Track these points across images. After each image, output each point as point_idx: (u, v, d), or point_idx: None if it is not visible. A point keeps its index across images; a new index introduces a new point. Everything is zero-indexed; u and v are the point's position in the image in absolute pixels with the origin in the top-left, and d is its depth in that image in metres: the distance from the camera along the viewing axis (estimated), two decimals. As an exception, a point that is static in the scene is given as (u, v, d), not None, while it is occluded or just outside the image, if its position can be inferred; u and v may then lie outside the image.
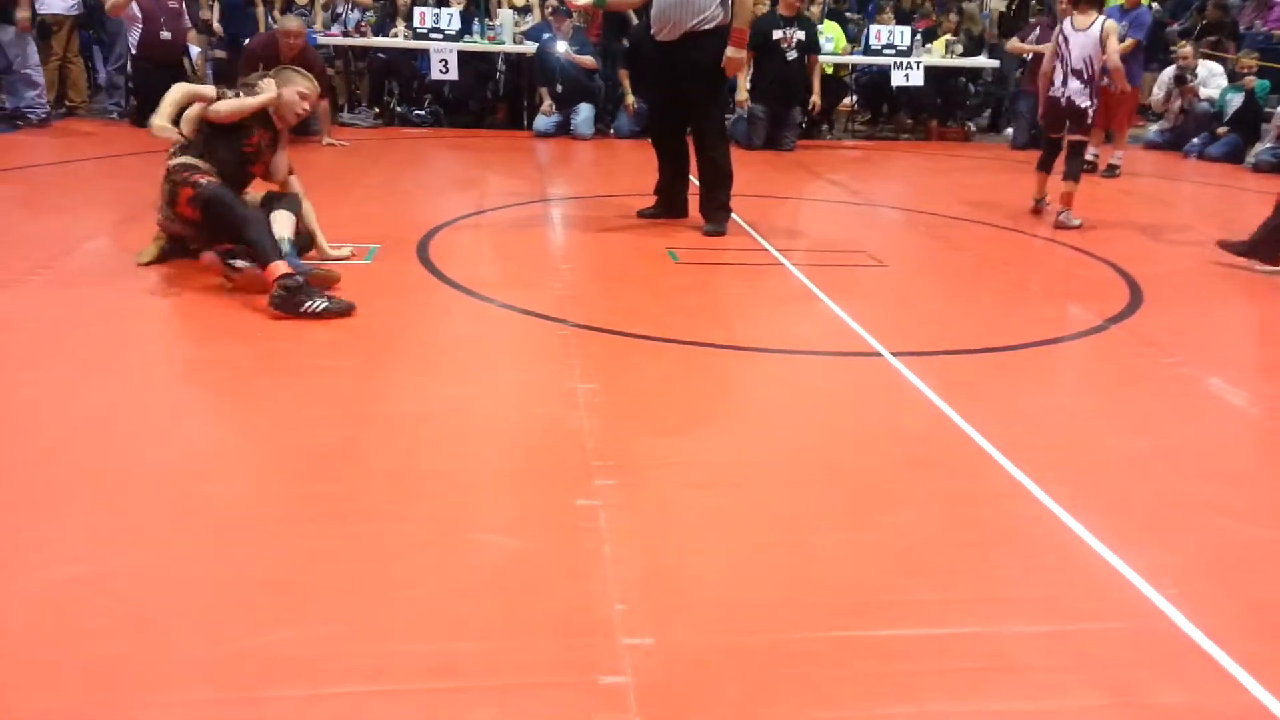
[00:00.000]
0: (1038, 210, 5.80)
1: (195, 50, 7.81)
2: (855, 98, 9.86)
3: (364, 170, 6.40)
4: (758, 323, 3.66)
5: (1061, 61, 5.41)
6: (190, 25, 7.73)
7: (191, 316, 3.42)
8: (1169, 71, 8.88)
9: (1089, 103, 5.38)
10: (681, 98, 4.88)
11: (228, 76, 8.02)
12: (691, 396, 2.88)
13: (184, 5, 7.63)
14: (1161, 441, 2.69)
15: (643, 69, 8.09)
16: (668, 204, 5.23)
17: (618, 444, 2.47)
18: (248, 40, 7.67)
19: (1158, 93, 8.98)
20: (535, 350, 3.19)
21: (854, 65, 9.50)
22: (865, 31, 9.37)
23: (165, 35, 7.46)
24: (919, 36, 9.21)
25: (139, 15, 7.40)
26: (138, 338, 3.20)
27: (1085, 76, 5.35)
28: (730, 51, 4.70)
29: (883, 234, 5.39)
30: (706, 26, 4.68)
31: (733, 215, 5.02)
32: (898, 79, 8.94)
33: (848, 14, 10.82)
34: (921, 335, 3.48)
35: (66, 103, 7.86)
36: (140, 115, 7.47)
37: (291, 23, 7.05)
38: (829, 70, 8.92)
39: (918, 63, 8.88)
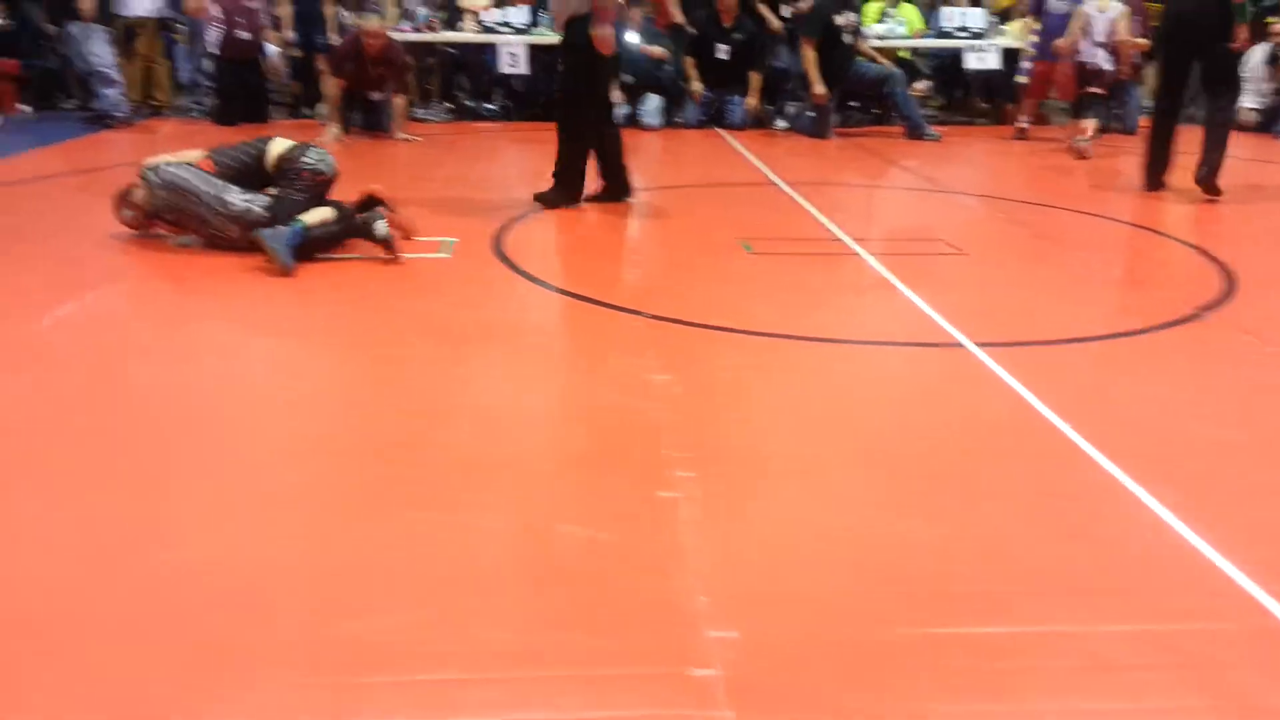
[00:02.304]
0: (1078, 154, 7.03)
1: (272, 49, 7.98)
2: (928, 83, 9.67)
3: (438, 164, 6.49)
4: (834, 313, 3.62)
5: (1086, 34, 7.32)
6: (267, 24, 7.90)
7: (271, 309, 3.51)
8: (1262, 49, 8.52)
9: (1109, 67, 7.40)
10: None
11: (304, 75, 8.22)
12: (769, 388, 2.86)
13: (260, 6, 7.81)
14: (1262, 433, 2.58)
15: (708, 56, 8.10)
16: (606, 187, 5.23)
17: (696, 436, 2.47)
18: (320, 39, 7.84)
19: (1254, 73, 8.63)
20: (611, 342, 3.20)
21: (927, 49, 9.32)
22: (937, 14, 9.18)
23: (243, 35, 7.66)
24: (994, 18, 9.00)
25: (217, 16, 7.60)
26: (224, 330, 3.30)
27: (1108, 47, 7.35)
28: (597, 30, 4.71)
29: (960, 221, 5.28)
30: (585, 11, 4.76)
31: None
32: (971, 62, 8.75)
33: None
34: (1004, 325, 3.40)
35: (152, 102, 8.12)
36: (221, 114, 7.71)
37: (371, 22, 7.17)
38: (904, 54, 8.75)
39: (992, 45, 8.67)
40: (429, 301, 3.61)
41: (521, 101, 8.97)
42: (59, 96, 8.47)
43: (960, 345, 3.15)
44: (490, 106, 8.92)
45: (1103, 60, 7.37)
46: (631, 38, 8.13)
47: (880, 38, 8.50)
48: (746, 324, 3.32)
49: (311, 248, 3.84)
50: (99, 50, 7.36)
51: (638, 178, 5.23)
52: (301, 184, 3.97)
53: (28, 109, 8.19)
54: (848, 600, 1.80)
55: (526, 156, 7.26)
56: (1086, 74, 7.40)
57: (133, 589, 1.78)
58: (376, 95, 7.36)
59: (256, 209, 3.90)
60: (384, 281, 3.79)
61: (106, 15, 7.46)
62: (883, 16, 8.89)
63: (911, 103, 8.14)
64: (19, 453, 2.32)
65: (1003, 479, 2.29)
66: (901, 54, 8.76)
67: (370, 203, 4.13)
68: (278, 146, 4.07)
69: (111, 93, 7.46)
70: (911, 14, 9.08)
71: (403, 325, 3.33)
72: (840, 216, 4.97)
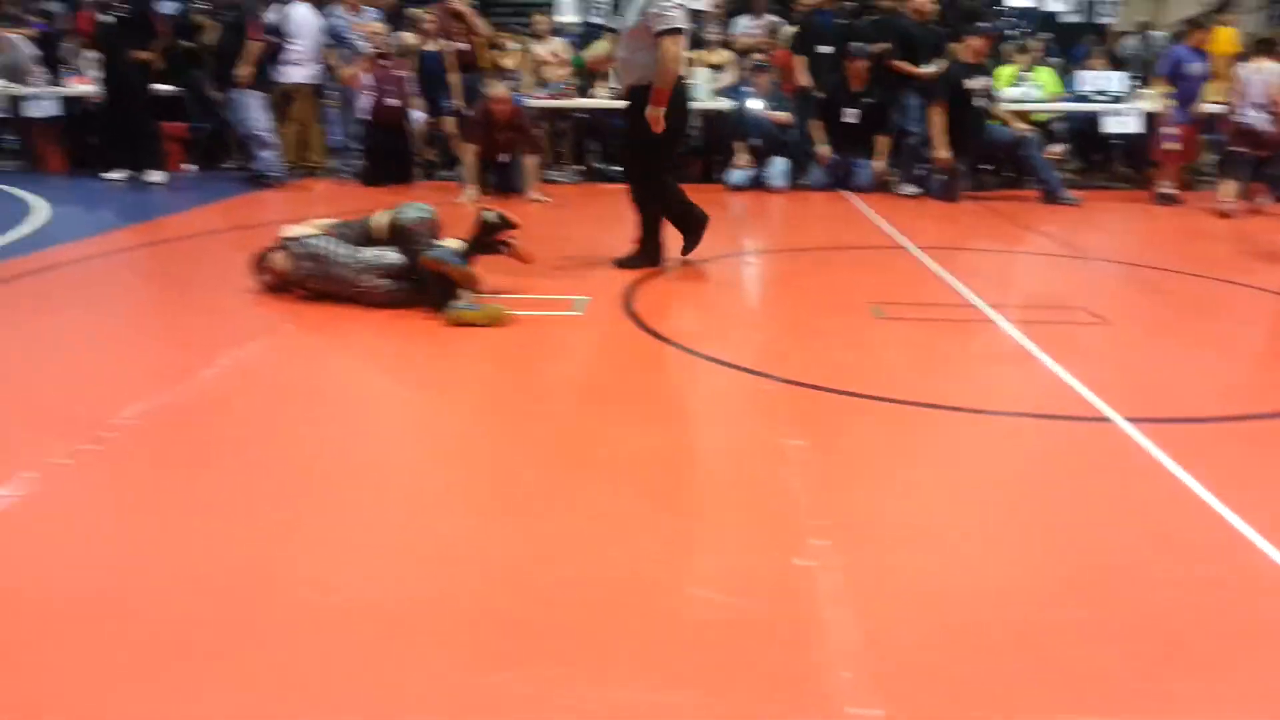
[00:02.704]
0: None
1: (418, 115, 8.41)
2: (1063, 146, 9.43)
3: (569, 224, 6.67)
4: (971, 382, 3.52)
5: (1243, 96, 7.38)
6: (413, 92, 8.33)
7: (415, 364, 3.64)
8: None
9: (1269, 129, 7.31)
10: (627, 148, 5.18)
11: (435, 140, 8.61)
12: (906, 457, 2.80)
13: (406, 75, 8.24)
14: None
15: (835, 120, 8.12)
16: (643, 251, 5.20)
17: (831, 503, 2.43)
18: (447, 103, 8.20)
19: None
20: (742, 404, 3.20)
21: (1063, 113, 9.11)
22: (1074, 77, 8.98)
23: (391, 102, 8.09)
24: (1134, 82, 8.75)
25: (369, 84, 8.07)
26: (370, 383, 3.44)
27: (1267, 109, 7.34)
28: (649, 110, 4.79)
29: (1101, 288, 5.09)
30: (646, 83, 4.81)
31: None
32: (1111, 125, 8.50)
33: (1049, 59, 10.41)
34: (1154, 399, 3.25)
35: (306, 164, 8.62)
36: (369, 176, 8.13)
37: (497, 89, 7.49)
38: (1039, 118, 8.59)
39: (1133, 109, 8.41)
40: (563, 360, 3.69)
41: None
42: (221, 157, 9.10)
43: (1107, 420, 3.02)
44: (619, 168, 9.13)
45: (1261, 122, 7.34)
46: (755, 103, 8.24)
47: (1015, 101, 8.36)
48: (880, 390, 3.27)
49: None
50: (256, 115, 7.88)
51: (764, 240, 5.26)
52: (418, 234, 4.15)
53: (193, 168, 8.83)
54: (1001, 685, 1.73)
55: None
56: (1243, 135, 7.40)
57: (281, 633, 1.86)
58: (505, 158, 7.64)
59: (390, 256, 4.14)
60: (519, 338, 3.89)
61: (265, 82, 7.98)
62: (1018, 80, 8.76)
63: (1047, 166, 7.95)
64: (183, 492, 2.46)
65: (1161, 566, 2.17)
66: (1037, 117, 8.59)
67: (488, 228, 4.34)
68: (381, 217, 4.26)
69: (268, 155, 7.97)
70: (1047, 77, 8.91)
71: (538, 382, 3.41)
72: (974, 282, 4.86)
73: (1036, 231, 6.64)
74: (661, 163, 5.10)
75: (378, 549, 2.19)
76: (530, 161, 7.62)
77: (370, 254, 4.15)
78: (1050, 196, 7.74)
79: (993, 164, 8.54)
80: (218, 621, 1.88)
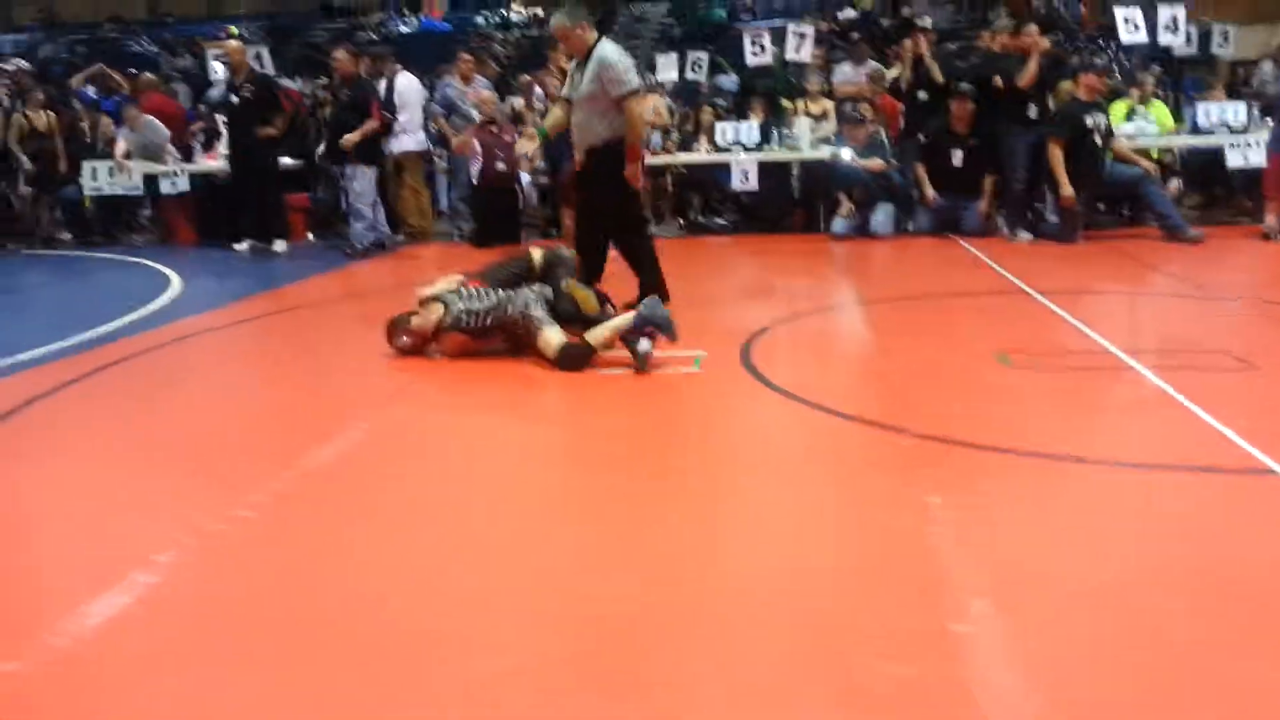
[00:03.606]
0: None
1: (526, 178, 8.64)
2: (1179, 181, 9.11)
3: (676, 278, 6.69)
4: (1116, 433, 3.38)
5: None
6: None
7: (539, 417, 3.69)
8: None
9: None
10: (596, 211, 5.23)
11: (551, 200, 8.82)
12: (1056, 513, 2.69)
13: (516, 140, 8.48)
14: None
15: (940, 163, 8.02)
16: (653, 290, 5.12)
17: (982, 564, 2.36)
18: (567, 164, 8.37)
19: None
20: (876, 460, 3.13)
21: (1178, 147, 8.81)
22: (1193, 110, 8.69)
23: (500, 166, 8.33)
24: (1256, 112, 8.42)
25: (479, 150, 8.33)
26: (500, 441, 3.51)
27: None
28: (628, 168, 4.99)
29: (1241, 330, 4.85)
30: (602, 144, 5.02)
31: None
32: (1234, 159, 8.17)
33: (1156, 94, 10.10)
34: (1320, 449, 3.06)
35: (408, 228, 8.89)
36: (479, 237, 8.36)
37: None
38: (1154, 155, 8.32)
39: (1257, 141, 8.07)
40: (689, 417, 3.70)
41: (750, 215, 9.19)
42: (340, 226, 9.48)
43: (1271, 471, 2.86)
44: (720, 221, 9.19)
45: None
46: (845, 154, 8.20)
47: (1129, 137, 8.12)
48: (1020, 444, 3.17)
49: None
50: (361, 188, 8.11)
51: (877, 288, 5.18)
52: (566, 265, 4.55)
53: (313, 238, 9.21)
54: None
55: (760, 268, 7.41)
56: None
57: (451, 696, 1.88)
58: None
59: (544, 293, 4.41)
60: (642, 395, 3.92)
61: (373, 154, 8.24)
62: (1130, 115, 8.52)
63: (1168, 202, 7.68)
64: (327, 533, 2.54)
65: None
66: (1152, 153, 8.32)
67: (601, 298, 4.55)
68: (538, 253, 4.64)
69: (359, 226, 8.09)
70: (1161, 112, 8.64)
71: (667, 442, 3.43)
72: (1104, 326, 4.69)
73: (1162, 271, 6.40)
74: (640, 214, 5.35)
75: (542, 613, 2.20)
76: None
77: (532, 296, 4.37)
78: (1172, 234, 7.45)
79: (1107, 202, 8.28)
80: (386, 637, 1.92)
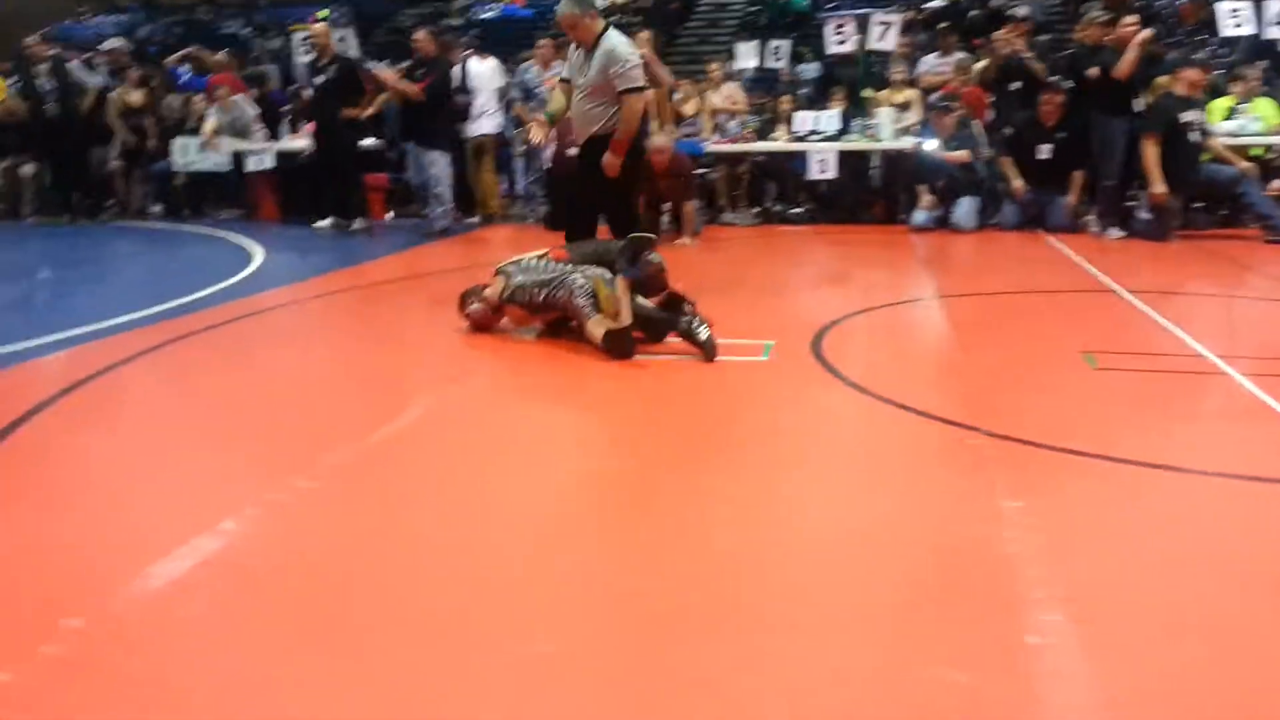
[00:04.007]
0: None
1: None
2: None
3: (749, 266, 6.62)
4: (1208, 442, 3.19)
5: None
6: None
7: (603, 405, 3.65)
8: None
9: None
10: (590, 198, 5.20)
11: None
12: (1141, 524, 2.56)
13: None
14: None
15: (1027, 157, 7.75)
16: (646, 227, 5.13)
17: (1059, 574, 2.24)
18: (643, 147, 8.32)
19: None
20: (948, 460, 3.02)
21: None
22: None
23: (571, 152, 8.29)
24: (1374, 109, 7.96)
25: (553, 136, 8.32)
26: (562, 426, 3.48)
27: None
28: (607, 157, 4.96)
29: (1347, 339, 4.58)
30: (604, 134, 5.00)
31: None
32: (1346, 157, 7.74)
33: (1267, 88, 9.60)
34: None
35: (484, 210, 8.94)
36: (552, 220, 8.37)
37: (657, 140, 7.59)
38: (1260, 152, 7.92)
39: (1372, 138, 7.64)
40: (756, 409, 3.62)
41: (827, 204, 9.03)
42: (417, 206, 9.59)
43: (1379, 489, 2.67)
44: (797, 210, 9.04)
45: None
46: (930, 144, 7.99)
47: (1231, 135, 7.75)
48: (1104, 449, 3.02)
49: (647, 287, 4.30)
50: (436, 170, 8.17)
51: (957, 282, 5.00)
52: (635, 251, 4.36)
53: (391, 216, 9.34)
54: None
55: (836, 258, 7.27)
56: None
57: (496, 682, 1.85)
58: (666, 206, 7.73)
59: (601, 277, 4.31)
60: (710, 384, 3.85)
61: (449, 137, 8.29)
62: (1231, 113, 8.12)
63: (1269, 203, 7.30)
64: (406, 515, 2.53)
65: None
66: (1255, 151, 7.92)
67: (674, 302, 4.31)
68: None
69: (439, 208, 8.21)
70: (1267, 109, 8.21)
71: (731, 433, 3.35)
72: (1197, 329, 4.47)
73: (1261, 274, 6.08)
74: (632, 211, 5.29)
75: (584, 603, 2.17)
76: (689, 208, 7.67)
77: (577, 278, 4.31)
78: (1273, 235, 7.09)
79: (1206, 201, 7.91)
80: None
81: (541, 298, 4.34)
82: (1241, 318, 5.14)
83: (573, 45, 5.20)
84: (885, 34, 8.42)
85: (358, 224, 8.57)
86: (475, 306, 4.57)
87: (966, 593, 2.19)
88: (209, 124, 9.37)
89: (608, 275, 4.28)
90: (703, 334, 4.09)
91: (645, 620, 2.09)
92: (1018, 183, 7.81)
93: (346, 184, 8.67)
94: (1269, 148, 8.17)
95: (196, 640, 2.03)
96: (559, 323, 4.46)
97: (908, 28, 9.74)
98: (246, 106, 9.62)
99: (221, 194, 9.97)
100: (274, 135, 9.75)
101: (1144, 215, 7.50)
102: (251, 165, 9.28)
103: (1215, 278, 6.07)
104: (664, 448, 3.21)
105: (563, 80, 5.29)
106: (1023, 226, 7.79)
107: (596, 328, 4.15)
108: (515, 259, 4.55)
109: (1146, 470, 2.89)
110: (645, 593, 2.20)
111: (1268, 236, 7.08)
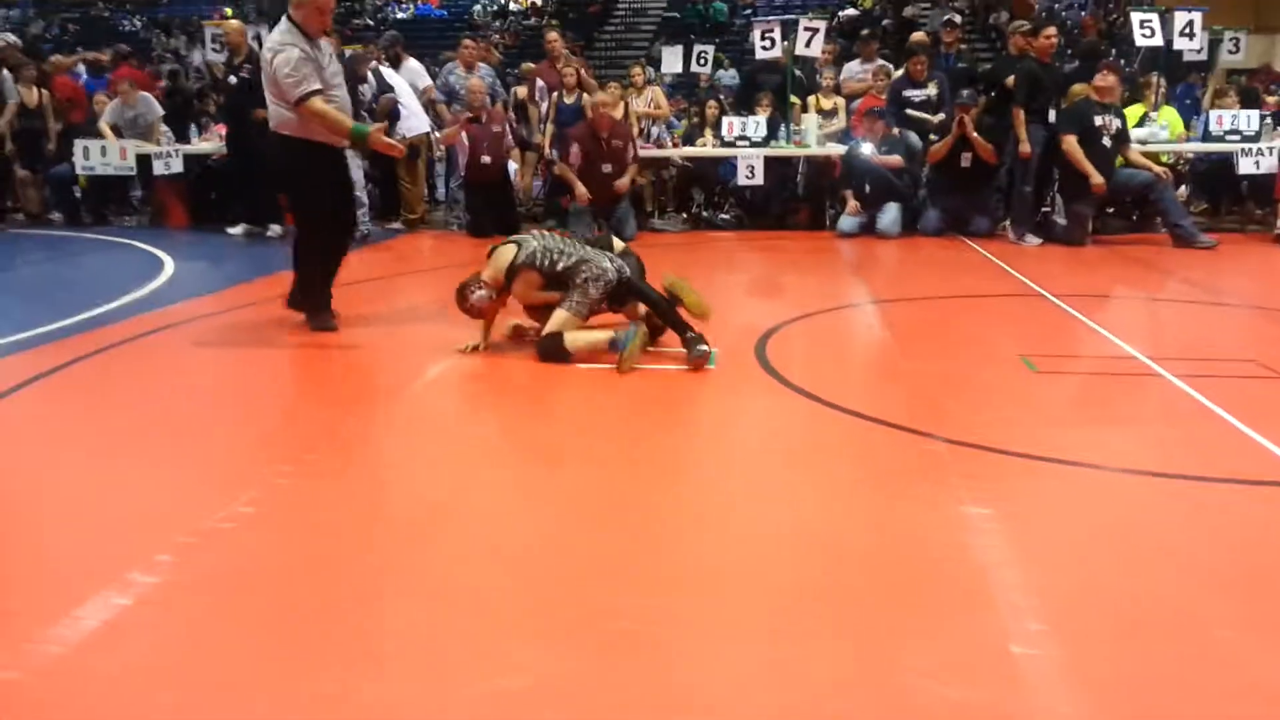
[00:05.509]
0: None
1: (514, 167, 8.49)
2: (1187, 187, 9.04)
3: (684, 273, 6.52)
4: (1155, 443, 3.24)
5: None
6: (513, 145, 8.41)
7: (550, 412, 3.55)
8: None
9: None
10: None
11: (560, 190, 8.67)
12: (1107, 527, 2.56)
13: (507, 130, 8.31)
14: None
15: (949, 165, 7.91)
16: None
17: (1036, 580, 2.23)
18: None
19: None
20: (908, 467, 3.00)
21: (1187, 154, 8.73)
22: (1204, 116, 8.61)
23: (485, 159, 8.14)
24: (1268, 120, 8.35)
25: (466, 143, 8.15)
26: (508, 444, 3.36)
27: None
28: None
29: (1267, 338, 4.74)
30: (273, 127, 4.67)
31: None
32: (1246, 166, 8.09)
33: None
34: (1368, 463, 2.95)
35: (408, 215, 8.70)
36: (475, 228, 8.19)
37: (599, 97, 7.52)
38: (1165, 159, 8.23)
39: (1269, 148, 8.00)
40: (709, 419, 3.56)
41: (754, 212, 9.06)
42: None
43: (1321, 486, 2.74)
44: (724, 217, 9.05)
45: None
46: (865, 148, 8.09)
47: (1142, 142, 8.04)
48: (1058, 452, 3.04)
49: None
50: (355, 175, 7.85)
51: (890, 289, 5.04)
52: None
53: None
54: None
55: (769, 264, 7.27)
56: None
57: (465, 717, 1.74)
58: (608, 168, 7.78)
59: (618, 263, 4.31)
60: (658, 394, 3.78)
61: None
62: (1143, 120, 8.43)
63: (1180, 209, 7.59)
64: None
65: None
66: (1162, 159, 8.24)
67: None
68: (620, 244, 4.68)
69: (359, 212, 7.92)
70: (1172, 117, 8.56)
71: (688, 443, 3.29)
72: (1127, 332, 4.58)
73: (1176, 278, 6.30)
74: (311, 213, 4.83)
75: (559, 627, 2.06)
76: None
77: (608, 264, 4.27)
78: (1183, 240, 7.36)
79: (1115, 207, 8.19)
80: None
81: (560, 266, 4.20)
82: (1167, 320, 5.29)
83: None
84: (812, 40, 8.49)
85: (273, 230, 8.25)
86: (481, 293, 4.24)
87: (942, 601, 2.16)
88: (105, 119, 8.93)
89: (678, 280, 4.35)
90: (700, 351, 4.04)
91: (616, 635, 2.00)
92: (1024, 147, 7.60)
93: (260, 189, 8.33)
94: (1177, 155, 8.51)
95: (129, 688, 1.86)
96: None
97: (831, 34, 9.89)
98: (152, 103, 9.20)
99: (126, 199, 9.52)
100: (182, 138, 9.35)
101: (1059, 220, 7.73)
102: (159, 169, 8.86)
103: (1135, 281, 6.26)
104: (618, 459, 3.12)
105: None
106: (942, 233, 7.93)
107: (562, 320, 4.09)
108: (531, 231, 4.44)
109: (1102, 473, 2.92)
110: (608, 609, 2.11)
111: (1177, 241, 7.36)
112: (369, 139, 4.59)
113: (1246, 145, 8.08)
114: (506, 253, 4.27)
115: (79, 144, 8.89)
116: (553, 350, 4.09)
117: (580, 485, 2.90)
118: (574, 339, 4.10)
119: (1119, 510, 2.69)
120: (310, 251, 4.91)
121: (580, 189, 7.83)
